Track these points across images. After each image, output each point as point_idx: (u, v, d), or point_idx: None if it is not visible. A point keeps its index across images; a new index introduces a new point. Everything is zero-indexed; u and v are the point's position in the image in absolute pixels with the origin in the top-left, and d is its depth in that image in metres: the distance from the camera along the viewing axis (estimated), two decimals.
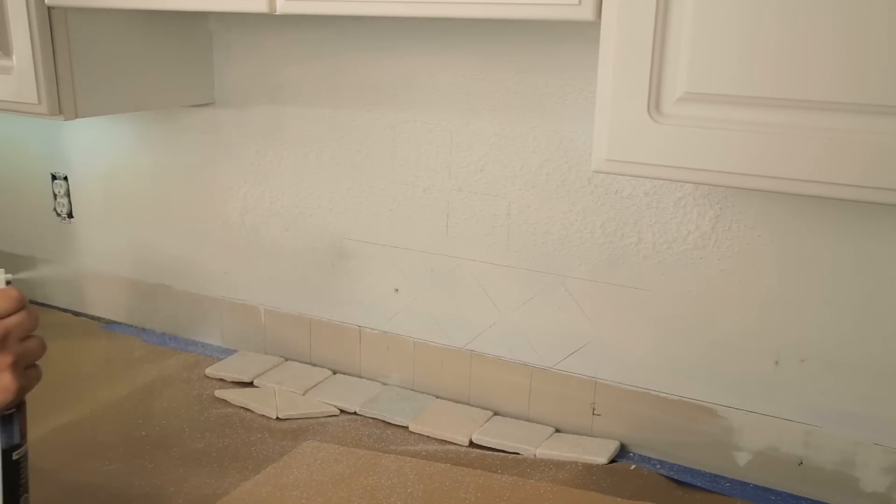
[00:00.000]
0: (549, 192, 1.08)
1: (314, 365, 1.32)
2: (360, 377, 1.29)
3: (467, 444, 1.10)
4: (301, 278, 1.31)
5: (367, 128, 1.19)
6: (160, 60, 1.21)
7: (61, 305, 1.57)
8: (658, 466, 1.06)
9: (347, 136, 1.21)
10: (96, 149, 1.45)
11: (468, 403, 1.20)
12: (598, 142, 0.73)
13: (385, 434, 1.13)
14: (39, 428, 1.10)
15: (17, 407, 0.74)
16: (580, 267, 1.08)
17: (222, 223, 1.36)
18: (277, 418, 1.16)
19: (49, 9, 1.03)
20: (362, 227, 1.23)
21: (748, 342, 1.00)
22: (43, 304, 1.58)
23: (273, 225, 1.31)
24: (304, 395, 1.23)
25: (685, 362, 1.04)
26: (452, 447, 1.10)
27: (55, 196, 1.52)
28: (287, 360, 1.34)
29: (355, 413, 1.19)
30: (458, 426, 1.13)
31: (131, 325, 1.49)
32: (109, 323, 1.50)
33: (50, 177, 1.52)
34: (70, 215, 1.52)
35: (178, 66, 1.24)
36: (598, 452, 1.07)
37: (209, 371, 1.29)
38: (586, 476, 1.02)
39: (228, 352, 1.38)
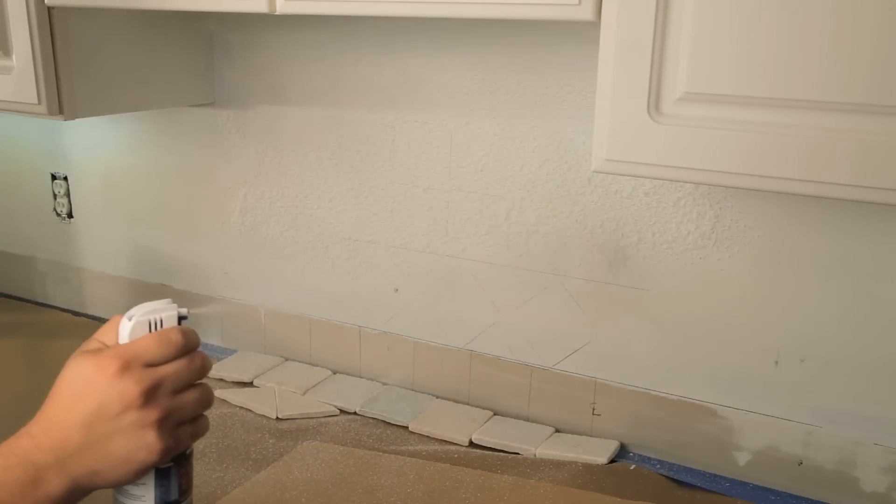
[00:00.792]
0: (549, 192, 1.08)
1: (314, 365, 1.32)
2: (360, 377, 1.29)
3: (467, 444, 1.10)
4: (301, 278, 1.31)
5: (367, 128, 1.19)
6: (160, 60, 1.21)
7: (61, 305, 1.57)
8: (658, 466, 1.06)
9: (347, 136, 1.21)
10: (96, 149, 1.45)
11: (468, 403, 1.20)
12: (598, 142, 0.74)
13: (385, 434, 1.13)
14: None
15: (177, 460, 0.65)
16: (580, 267, 1.08)
17: (222, 223, 1.36)
18: (277, 418, 1.16)
19: (49, 9, 1.03)
20: (362, 227, 1.23)
21: (748, 342, 1.00)
22: (42, 304, 1.59)
23: (273, 225, 1.31)
24: (304, 395, 1.23)
25: (685, 362, 1.04)
26: (452, 447, 1.10)
27: (55, 196, 1.52)
28: (287, 360, 1.34)
29: (355, 413, 1.19)
30: (457, 426, 1.13)
31: None
32: None
33: (50, 177, 1.52)
34: (70, 215, 1.52)
35: (178, 66, 1.24)
36: (598, 452, 1.07)
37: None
38: (586, 476, 1.02)
39: (228, 352, 1.38)
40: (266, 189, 1.30)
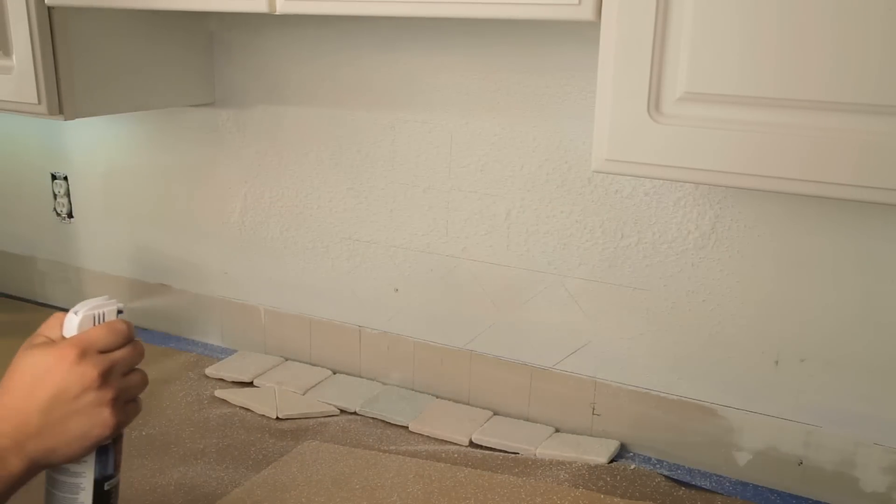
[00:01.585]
0: (549, 192, 1.08)
1: (314, 365, 1.32)
2: (360, 377, 1.29)
3: (467, 444, 1.10)
4: (301, 278, 1.31)
5: (367, 128, 1.19)
6: (160, 60, 1.21)
7: (61, 305, 1.57)
8: (658, 466, 1.06)
9: (347, 136, 1.21)
10: (96, 149, 1.45)
11: (468, 403, 1.20)
12: (598, 142, 0.73)
13: (385, 434, 1.13)
14: None
15: (115, 439, 0.73)
16: (580, 267, 1.08)
17: (222, 223, 1.36)
18: (277, 418, 1.16)
19: (49, 9, 1.03)
20: (362, 227, 1.23)
21: (748, 342, 1.00)
22: (42, 304, 1.59)
23: (273, 225, 1.31)
24: (304, 395, 1.23)
25: (685, 362, 1.04)
26: (452, 447, 1.10)
27: (55, 196, 1.52)
28: (287, 360, 1.34)
29: (355, 413, 1.19)
30: (457, 426, 1.13)
31: None
32: None
33: (50, 177, 1.52)
34: (70, 215, 1.52)
35: (178, 65, 1.24)
36: (598, 452, 1.07)
37: (209, 371, 1.29)
38: (586, 476, 1.02)
39: (228, 352, 1.38)
40: (266, 189, 1.30)
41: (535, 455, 1.07)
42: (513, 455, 1.08)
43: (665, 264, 1.03)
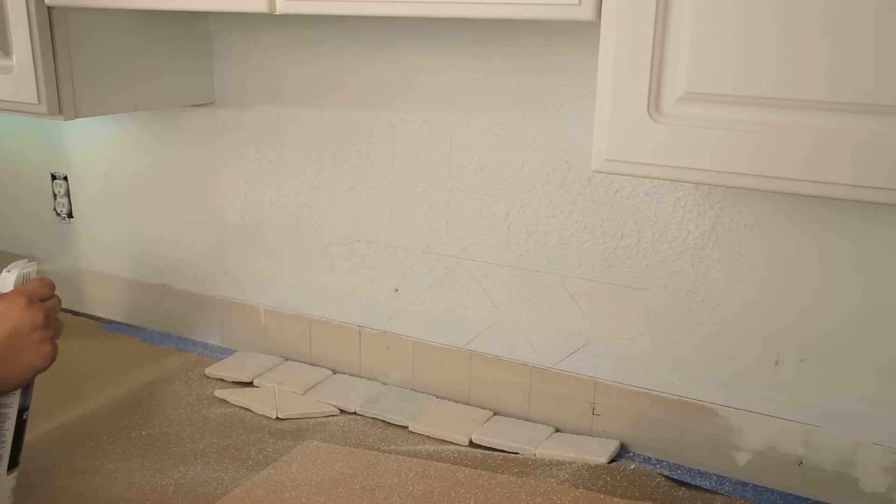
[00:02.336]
0: (549, 192, 1.08)
1: (314, 365, 1.32)
2: (360, 377, 1.29)
3: (467, 444, 1.10)
4: (301, 278, 1.31)
5: (367, 128, 1.19)
6: (160, 60, 1.21)
7: (61, 305, 1.57)
8: (658, 466, 1.06)
9: (347, 136, 1.21)
10: (96, 149, 1.45)
11: (468, 403, 1.20)
12: (598, 142, 0.74)
13: (385, 434, 1.13)
14: (39, 427, 1.10)
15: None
16: (580, 267, 1.08)
17: (222, 223, 1.36)
18: (277, 418, 1.16)
19: (49, 9, 1.03)
20: (362, 227, 1.23)
21: (748, 342, 1.00)
22: None
23: (273, 225, 1.31)
24: (303, 394, 1.23)
25: (685, 362, 1.04)
26: (452, 447, 1.10)
27: (55, 196, 1.52)
28: (287, 360, 1.34)
29: (355, 413, 1.19)
30: (457, 426, 1.13)
31: (131, 325, 1.49)
32: (109, 323, 1.50)
33: (50, 177, 1.52)
34: (70, 215, 1.52)
35: (177, 65, 1.24)
36: (598, 452, 1.07)
37: (209, 371, 1.29)
38: (586, 476, 1.02)
39: (228, 352, 1.38)
40: (266, 189, 1.30)
41: (535, 455, 1.07)
42: (513, 455, 1.08)
43: (665, 264, 1.03)
